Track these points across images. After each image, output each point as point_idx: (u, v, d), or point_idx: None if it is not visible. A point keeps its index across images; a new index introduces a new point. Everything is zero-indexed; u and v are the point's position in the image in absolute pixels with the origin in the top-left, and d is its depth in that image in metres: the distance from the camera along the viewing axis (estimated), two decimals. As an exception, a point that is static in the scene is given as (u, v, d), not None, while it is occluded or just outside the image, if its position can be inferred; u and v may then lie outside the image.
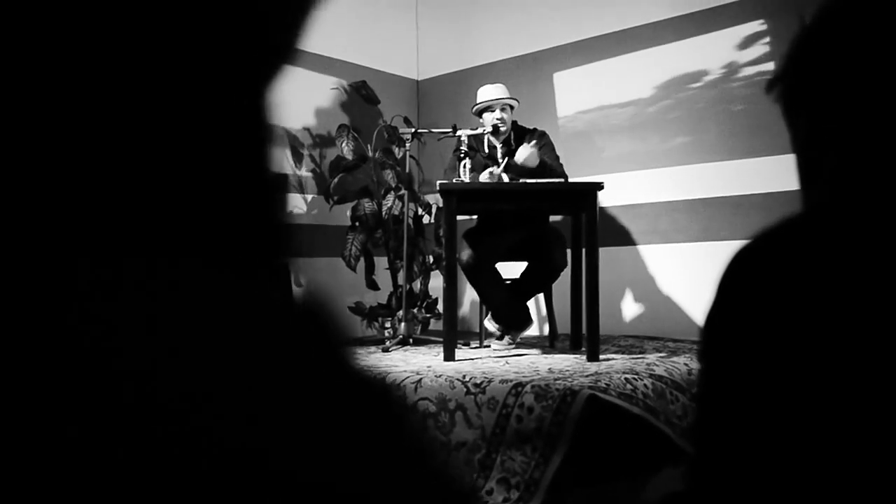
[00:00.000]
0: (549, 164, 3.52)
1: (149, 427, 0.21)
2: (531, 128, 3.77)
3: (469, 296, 4.76)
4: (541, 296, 3.85)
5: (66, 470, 0.20)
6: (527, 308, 3.61)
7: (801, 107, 0.66)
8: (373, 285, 4.43)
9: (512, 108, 3.76)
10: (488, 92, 3.75)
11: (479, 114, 3.79)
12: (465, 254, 3.47)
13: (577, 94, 4.58)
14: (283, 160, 4.52)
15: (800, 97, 0.66)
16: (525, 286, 3.61)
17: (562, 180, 3.46)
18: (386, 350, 3.61)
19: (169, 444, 0.21)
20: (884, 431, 0.51)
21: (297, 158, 4.60)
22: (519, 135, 3.73)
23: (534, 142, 3.46)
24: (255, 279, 0.28)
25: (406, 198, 4.05)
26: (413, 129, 4.00)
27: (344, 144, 4.40)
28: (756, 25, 3.84)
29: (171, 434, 0.21)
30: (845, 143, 0.60)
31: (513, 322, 3.58)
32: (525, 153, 3.41)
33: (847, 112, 0.60)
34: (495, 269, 3.58)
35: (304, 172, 4.63)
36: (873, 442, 0.51)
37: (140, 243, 0.25)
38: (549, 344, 3.79)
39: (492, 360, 3.09)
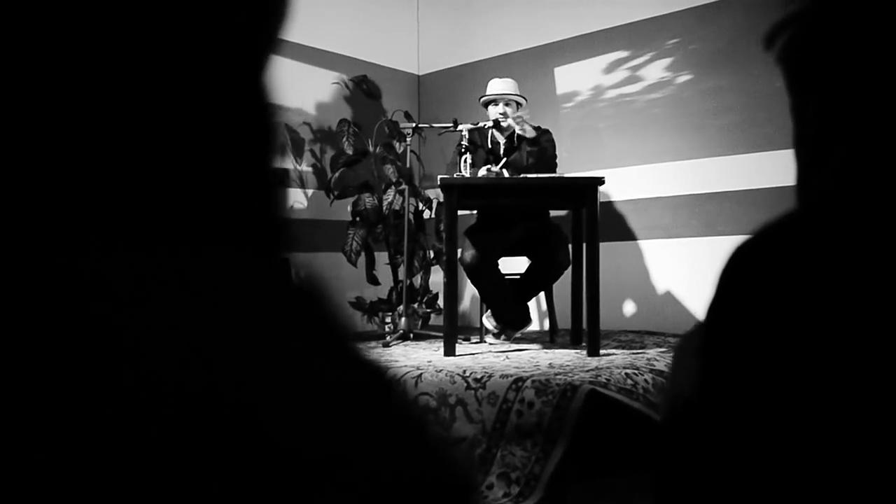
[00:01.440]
0: (544, 159, 3.51)
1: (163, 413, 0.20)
2: (535, 125, 3.76)
3: (469, 291, 4.76)
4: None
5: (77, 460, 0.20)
6: (527, 307, 3.61)
7: (811, 87, 0.61)
8: (373, 280, 4.43)
9: (518, 104, 3.75)
10: (494, 86, 3.75)
11: (486, 106, 3.79)
12: (468, 254, 3.47)
13: (578, 88, 4.57)
14: (284, 155, 4.52)
15: (811, 75, 0.61)
16: (527, 285, 3.61)
17: (563, 175, 3.46)
18: (386, 345, 3.62)
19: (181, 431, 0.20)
20: (887, 429, 0.50)
21: (298, 153, 4.60)
22: None
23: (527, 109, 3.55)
24: (253, 268, 0.28)
25: (407, 193, 4.05)
26: (414, 124, 4.00)
27: (344, 139, 4.39)
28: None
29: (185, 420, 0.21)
30: (860, 132, 0.58)
31: (512, 320, 3.58)
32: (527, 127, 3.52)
33: (868, 99, 0.57)
34: (497, 267, 3.58)
35: (305, 167, 4.63)
36: (876, 440, 0.51)
37: (135, 235, 0.24)
38: (549, 339, 3.79)
39: (492, 355, 3.10)
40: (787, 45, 0.62)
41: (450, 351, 3.09)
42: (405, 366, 2.76)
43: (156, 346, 0.22)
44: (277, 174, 0.31)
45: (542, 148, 3.56)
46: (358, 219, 4.33)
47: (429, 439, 0.27)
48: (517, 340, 3.66)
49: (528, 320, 3.60)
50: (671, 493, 0.59)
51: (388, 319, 4.35)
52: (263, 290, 0.27)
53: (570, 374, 2.47)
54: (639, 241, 4.29)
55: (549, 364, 2.78)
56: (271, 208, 0.30)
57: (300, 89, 4.63)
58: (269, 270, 0.29)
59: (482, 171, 3.43)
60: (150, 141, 0.25)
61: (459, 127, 3.57)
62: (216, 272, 0.25)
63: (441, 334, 3.35)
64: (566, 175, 3.55)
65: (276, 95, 0.31)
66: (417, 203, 4.47)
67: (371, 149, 4.53)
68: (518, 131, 3.53)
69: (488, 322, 3.65)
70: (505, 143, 3.72)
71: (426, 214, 4.60)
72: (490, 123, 3.65)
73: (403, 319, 3.90)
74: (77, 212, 0.24)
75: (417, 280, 4.52)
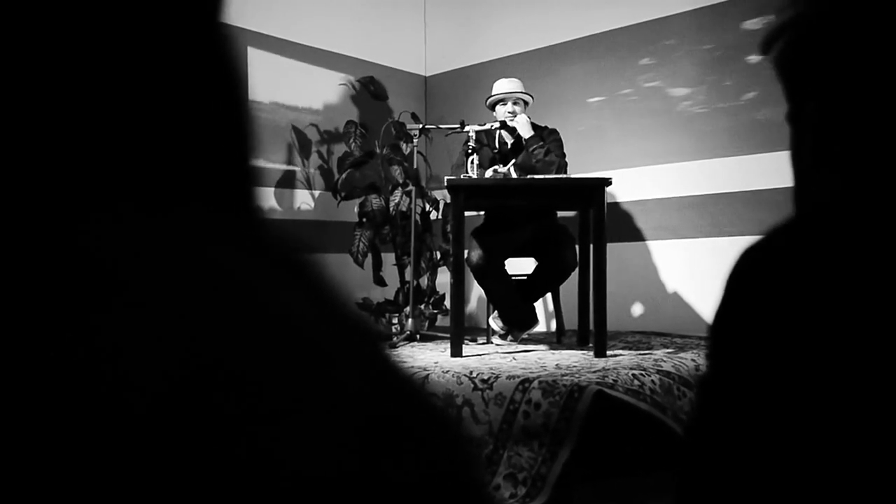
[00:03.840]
0: (550, 160, 3.50)
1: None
2: (543, 125, 3.75)
3: (476, 292, 4.76)
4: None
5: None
6: (533, 308, 3.61)
7: (809, 92, 0.61)
8: (380, 281, 4.43)
9: (526, 103, 3.75)
10: (502, 85, 3.75)
11: (492, 107, 3.78)
12: (475, 254, 3.46)
13: (585, 89, 4.56)
14: (291, 155, 4.53)
15: (809, 81, 0.60)
16: (535, 286, 3.60)
17: (569, 176, 3.47)
18: (393, 346, 3.62)
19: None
20: (893, 429, 0.50)
21: (305, 154, 4.61)
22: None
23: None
24: (222, 221, 0.26)
25: (413, 194, 4.05)
26: (421, 125, 4.00)
27: (351, 140, 4.40)
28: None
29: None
30: (862, 136, 0.58)
31: (519, 321, 3.58)
32: (522, 121, 3.60)
33: (868, 102, 0.57)
34: (503, 267, 3.57)
35: (312, 168, 4.64)
36: (884, 444, 0.50)
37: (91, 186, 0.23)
38: (556, 340, 3.78)
39: (499, 356, 3.09)
40: (783, 51, 0.61)
41: (456, 352, 3.09)
42: (412, 367, 2.76)
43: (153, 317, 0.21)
44: (249, 123, 0.29)
45: (549, 142, 3.56)
46: (365, 220, 4.34)
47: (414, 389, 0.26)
48: (524, 341, 3.65)
49: (534, 321, 3.60)
50: (692, 494, 0.59)
51: (395, 321, 4.35)
52: (251, 253, 0.25)
53: (576, 375, 2.46)
54: (646, 242, 4.28)
55: (556, 365, 2.78)
56: (242, 157, 0.28)
57: (307, 91, 4.63)
58: (252, 230, 0.27)
59: (489, 172, 3.43)
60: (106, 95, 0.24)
61: (466, 128, 3.57)
62: (198, 235, 0.24)
63: (448, 335, 3.35)
64: (573, 176, 3.55)
65: (235, 47, 0.30)
66: (424, 204, 4.47)
67: (378, 150, 4.53)
68: (512, 124, 3.56)
69: (495, 323, 3.65)
70: (512, 144, 3.71)
71: (433, 215, 4.60)
72: (497, 124, 3.65)
73: (410, 320, 3.90)
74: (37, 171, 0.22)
75: (424, 281, 4.52)
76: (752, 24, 3.86)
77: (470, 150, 3.44)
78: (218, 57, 0.28)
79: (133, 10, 0.25)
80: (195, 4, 0.27)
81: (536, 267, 3.62)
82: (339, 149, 4.61)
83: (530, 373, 2.53)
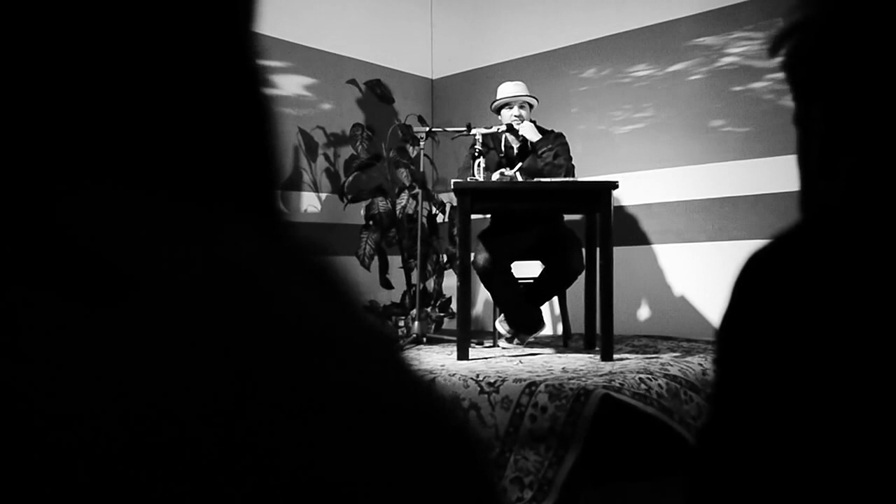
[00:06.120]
0: (559, 164, 3.50)
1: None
2: (549, 129, 3.75)
3: (483, 295, 4.76)
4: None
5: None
6: (539, 311, 3.60)
7: (816, 95, 0.60)
8: (387, 284, 4.43)
9: (531, 106, 3.75)
10: (507, 89, 3.75)
11: (498, 111, 3.78)
12: (482, 257, 3.46)
13: (591, 92, 4.56)
14: (297, 157, 4.54)
15: (816, 84, 0.60)
16: (541, 290, 3.60)
17: (576, 179, 3.46)
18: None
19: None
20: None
21: (312, 156, 4.62)
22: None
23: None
24: (243, 220, 0.26)
25: (420, 196, 4.05)
26: (427, 128, 4.00)
27: (358, 143, 4.41)
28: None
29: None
30: (869, 139, 0.57)
31: (525, 325, 3.57)
32: (528, 127, 3.60)
33: (875, 106, 0.57)
34: (510, 271, 3.57)
35: (319, 171, 4.65)
36: (893, 447, 0.50)
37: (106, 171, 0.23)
38: (562, 343, 3.78)
39: (505, 360, 3.09)
40: (791, 53, 0.61)
41: (463, 355, 3.09)
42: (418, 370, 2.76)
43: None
44: (273, 124, 0.29)
45: (556, 146, 3.56)
46: (371, 223, 4.34)
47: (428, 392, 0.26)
48: (530, 345, 3.65)
49: (541, 324, 3.60)
50: (702, 499, 0.59)
51: (402, 323, 4.35)
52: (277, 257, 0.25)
53: (583, 379, 2.46)
54: (653, 246, 4.27)
55: (563, 368, 2.77)
56: (264, 157, 0.28)
57: (314, 93, 4.64)
58: (273, 230, 0.27)
59: (496, 175, 3.43)
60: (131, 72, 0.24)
61: (473, 131, 3.57)
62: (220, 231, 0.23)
63: (454, 338, 3.35)
64: (580, 179, 3.54)
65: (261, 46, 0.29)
66: (431, 207, 4.47)
67: (384, 153, 4.54)
68: (522, 132, 3.57)
69: (501, 326, 3.64)
70: (518, 147, 3.71)
71: (439, 218, 4.60)
72: (503, 127, 3.65)
73: (416, 323, 3.90)
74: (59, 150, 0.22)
75: (430, 284, 4.52)
76: (764, 26, 3.85)
77: (476, 154, 3.44)
78: (244, 59, 0.28)
79: (164, 10, 0.25)
80: (226, 6, 0.27)
81: (543, 270, 3.61)
82: (346, 151, 4.62)
83: (537, 376, 2.52)
